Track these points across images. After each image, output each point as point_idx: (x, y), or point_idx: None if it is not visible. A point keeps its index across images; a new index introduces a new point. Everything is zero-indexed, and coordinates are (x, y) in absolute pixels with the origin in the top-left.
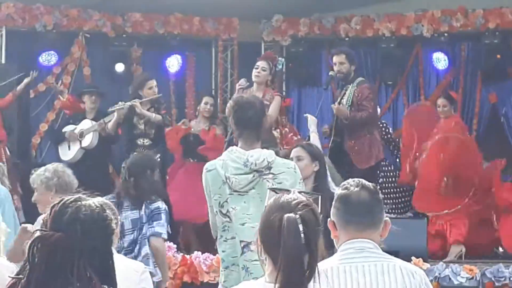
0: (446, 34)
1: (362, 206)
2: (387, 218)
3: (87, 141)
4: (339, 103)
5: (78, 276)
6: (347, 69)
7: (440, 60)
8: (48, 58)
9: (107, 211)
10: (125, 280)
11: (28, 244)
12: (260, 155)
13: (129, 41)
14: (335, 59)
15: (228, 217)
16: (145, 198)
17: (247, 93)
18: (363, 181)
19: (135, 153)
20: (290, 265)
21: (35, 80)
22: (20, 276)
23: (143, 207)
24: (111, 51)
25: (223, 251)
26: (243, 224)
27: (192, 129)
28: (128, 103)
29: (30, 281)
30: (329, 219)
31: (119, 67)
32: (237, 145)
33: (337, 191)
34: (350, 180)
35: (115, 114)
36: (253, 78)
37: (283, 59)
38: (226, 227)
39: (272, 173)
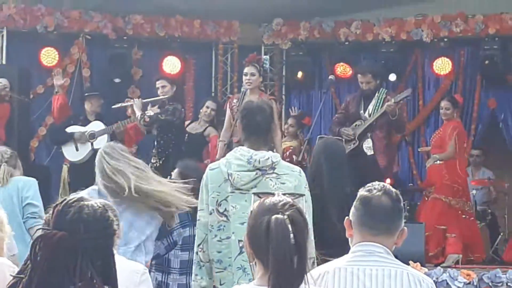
0: (445, 39)
1: (381, 211)
2: (405, 227)
3: (101, 142)
4: (365, 109)
5: (80, 276)
6: (374, 86)
7: (444, 66)
8: (48, 57)
9: (109, 212)
10: (126, 280)
11: (31, 243)
12: (265, 154)
13: (130, 43)
14: (361, 78)
15: (225, 216)
16: None
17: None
18: (388, 186)
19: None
20: (281, 266)
21: (34, 81)
22: (22, 275)
23: None
24: (111, 53)
25: (218, 252)
26: (242, 224)
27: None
28: (129, 103)
29: (32, 280)
30: (346, 217)
31: (117, 80)
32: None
33: (361, 191)
34: (375, 183)
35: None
36: (245, 86)
37: (267, 57)
38: (222, 226)
39: (276, 173)
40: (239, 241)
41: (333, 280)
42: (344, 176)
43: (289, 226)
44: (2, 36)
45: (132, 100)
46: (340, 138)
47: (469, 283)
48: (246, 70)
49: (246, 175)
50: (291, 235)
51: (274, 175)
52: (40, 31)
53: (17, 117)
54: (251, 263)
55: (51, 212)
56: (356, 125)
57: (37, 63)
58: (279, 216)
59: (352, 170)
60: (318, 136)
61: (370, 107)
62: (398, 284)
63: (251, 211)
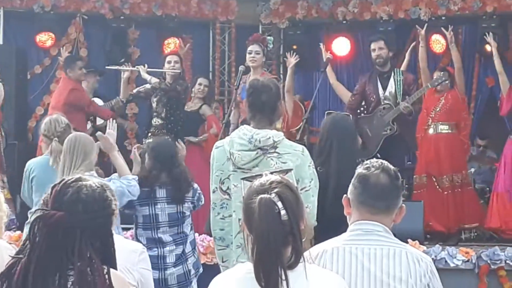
0: (443, 18)
1: (379, 189)
2: (403, 204)
3: (100, 119)
4: (384, 89)
5: (79, 256)
6: (386, 55)
7: (438, 43)
8: (44, 38)
9: (107, 191)
10: (124, 260)
11: (30, 223)
12: (267, 133)
13: (127, 22)
14: (373, 45)
15: (228, 194)
16: None
17: (245, 79)
18: (386, 163)
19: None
20: (265, 245)
21: (31, 61)
22: (20, 255)
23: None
24: (108, 32)
25: (221, 229)
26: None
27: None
28: (127, 68)
29: (31, 260)
30: (344, 195)
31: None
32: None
33: (359, 169)
34: (373, 160)
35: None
36: (249, 64)
37: (271, 38)
38: (224, 204)
39: (277, 152)
40: (239, 219)
41: (331, 259)
42: (354, 152)
43: (279, 203)
44: None
45: (128, 65)
46: (347, 114)
47: (468, 261)
48: (250, 48)
49: (247, 154)
50: (283, 212)
51: (275, 154)
52: (37, 11)
53: (15, 97)
54: (248, 245)
55: (49, 192)
56: (384, 108)
57: (34, 43)
58: (264, 196)
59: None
60: (326, 112)
61: (391, 88)
62: (397, 264)
63: (243, 196)
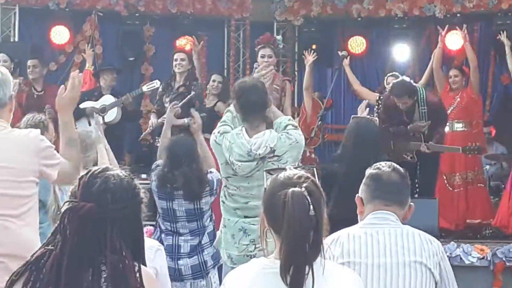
0: (458, 15)
1: (392, 185)
2: (411, 203)
3: (111, 116)
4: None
5: (111, 248)
6: (412, 103)
7: (454, 39)
8: (59, 35)
9: (135, 180)
10: None
11: (60, 216)
12: (262, 143)
13: (142, 20)
14: (397, 101)
15: (233, 170)
16: None
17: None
18: (395, 164)
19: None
20: (297, 239)
21: (47, 58)
22: (50, 247)
23: None
24: (123, 29)
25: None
26: (246, 203)
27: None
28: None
29: (63, 254)
30: (357, 195)
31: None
32: None
33: (369, 170)
34: (382, 162)
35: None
36: (263, 67)
37: (280, 37)
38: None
39: (277, 156)
40: (245, 216)
41: (348, 239)
42: (369, 158)
43: (308, 197)
44: (15, 13)
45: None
46: (373, 118)
47: (483, 258)
48: (262, 52)
49: (247, 165)
50: (311, 207)
51: (275, 158)
52: (52, 8)
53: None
54: (266, 240)
55: (76, 184)
56: (413, 134)
57: (49, 40)
58: (296, 189)
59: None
60: (352, 116)
61: (417, 113)
62: (411, 241)
63: (265, 189)
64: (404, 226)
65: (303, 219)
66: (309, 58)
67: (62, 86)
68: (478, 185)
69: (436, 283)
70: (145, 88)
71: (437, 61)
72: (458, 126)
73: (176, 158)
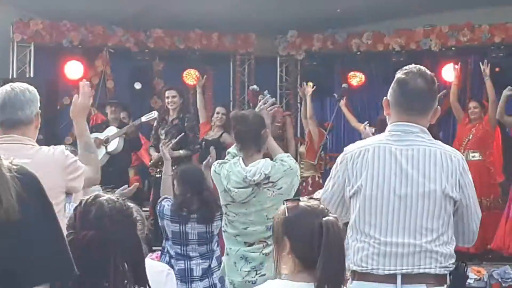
0: (453, 48)
1: (416, 92)
2: (438, 107)
3: (113, 145)
4: None
5: (114, 270)
6: None
7: (449, 71)
8: (73, 70)
9: (126, 201)
10: (152, 281)
11: None
12: (257, 170)
13: (151, 55)
14: None
15: (231, 197)
16: None
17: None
18: (424, 68)
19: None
20: (335, 265)
21: (60, 93)
22: None
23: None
24: (134, 65)
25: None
26: (245, 229)
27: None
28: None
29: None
30: (385, 97)
31: (137, 85)
32: None
33: (398, 74)
34: (412, 66)
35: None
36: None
37: (266, 92)
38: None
39: (271, 182)
40: (245, 242)
41: (373, 157)
42: None
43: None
44: (30, 50)
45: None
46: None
47: (480, 279)
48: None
49: (244, 192)
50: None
51: (270, 184)
52: (66, 45)
53: (44, 127)
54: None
55: (72, 215)
56: None
57: (63, 75)
58: (331, 218)
59: None
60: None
61: None
62: (432, 162)
63: (286, 216)
64: (427, 142)
65: (341, 246)
66: (308, 89)
67: (76, 95)
68: (495, 211)
69: (455, 202)
70: (144, 118)
71: (454, 95)
72: (474, 156)
73: (193, 184)
